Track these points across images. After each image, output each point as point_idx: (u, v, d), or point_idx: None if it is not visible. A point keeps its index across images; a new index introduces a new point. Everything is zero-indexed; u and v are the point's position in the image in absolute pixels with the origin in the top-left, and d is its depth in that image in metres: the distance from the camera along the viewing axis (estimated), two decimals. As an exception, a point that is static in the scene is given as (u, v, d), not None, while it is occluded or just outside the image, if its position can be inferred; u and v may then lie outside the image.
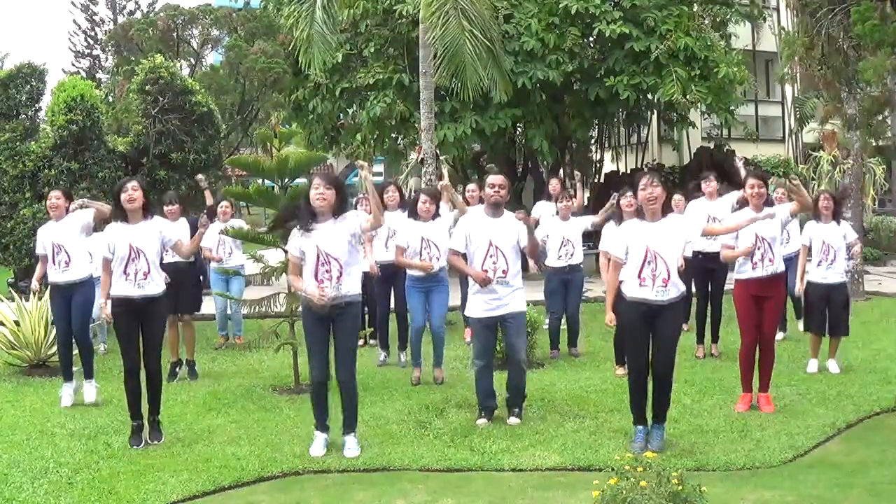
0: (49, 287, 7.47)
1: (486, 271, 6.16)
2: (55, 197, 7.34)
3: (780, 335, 9.55)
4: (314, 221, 5.56)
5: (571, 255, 8.66)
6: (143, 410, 6.09)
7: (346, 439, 5.73)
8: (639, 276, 5.54)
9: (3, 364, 8.89)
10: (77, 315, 7.24)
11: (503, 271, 6.15)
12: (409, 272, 7.90)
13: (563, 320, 8.97)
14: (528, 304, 8.63)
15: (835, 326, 7.89)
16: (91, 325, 7.78)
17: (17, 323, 8.79)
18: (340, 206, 5.58)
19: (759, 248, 6.51)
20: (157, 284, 6.04)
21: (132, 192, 5.94)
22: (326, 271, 5.53)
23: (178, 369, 8.28)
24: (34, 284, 7.65)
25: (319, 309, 5.50)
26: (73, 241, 7.19)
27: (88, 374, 7.35)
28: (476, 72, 11.53)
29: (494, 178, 6.31)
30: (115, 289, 5.99)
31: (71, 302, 7.22)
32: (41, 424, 6.66)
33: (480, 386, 6.41)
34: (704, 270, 8.62)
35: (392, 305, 8.91)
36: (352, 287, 5.60)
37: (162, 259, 6.36)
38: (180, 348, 8.42)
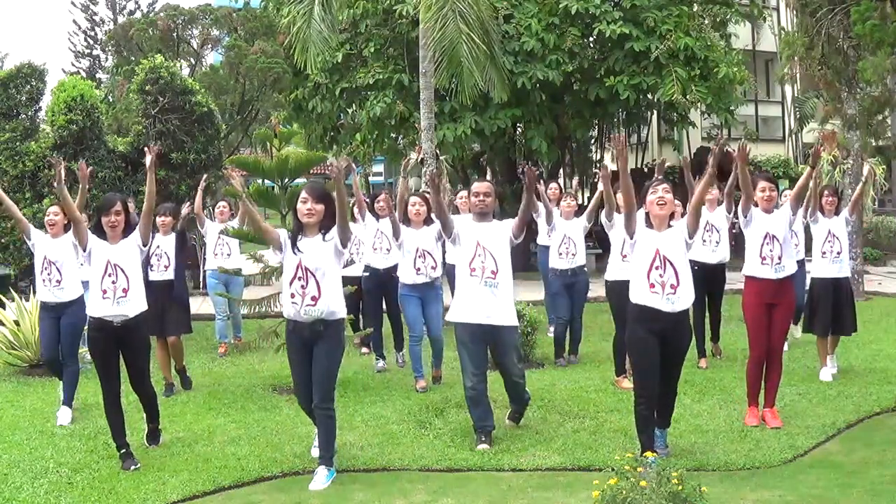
0: (39, 306, 7.20)
1: (473, 269, 5.86)
2: (53, 213, 7.05)
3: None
4: (301, 235, 5.27)
5: (574, 255, 8.40)
6: (128, 436, 5.80)
7: (318, 471, 5.25)
8: (648, 281, 5.29)
9: (3, 364, 8.89)
10: (66, 336, 6.92)
11: (492, 272, 5.83)
12: (402, 280, 7.67)
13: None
14: (528, 305, 8.69)
15: (841, 325, 7.80)
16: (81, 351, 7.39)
17: (17, 323, 8.80)
18: (329, 222, 5.23)
19: (767, 244, 6.33)
20: (136, 304, 5.63)
21: (114, 218, 5.63)
22: (302, 286, 5.19)
23: (174, 389, 7.93)
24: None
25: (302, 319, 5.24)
26: (66, 261, 6.88)
27: (67, 400, 6.87)
28: (472, 74, 11.52)
29: (479, 186, 6.03)
30: (92, 309, 5.62)
31: (59, 323, 6.90)
32: (41, 424, 6.66)
33: (473, 408, 5.93)
34: (703, 280, 8.29)
35: (384, 308, 8.76)
36: (330, 307, 5.21)
37: (147, 277, 6.12)
38: (172, 368, 8.01)
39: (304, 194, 5.25)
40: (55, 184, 5.72)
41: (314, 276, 5.17)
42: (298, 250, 5.21)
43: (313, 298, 5.17)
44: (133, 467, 5.53)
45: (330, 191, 5.32)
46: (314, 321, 5.20)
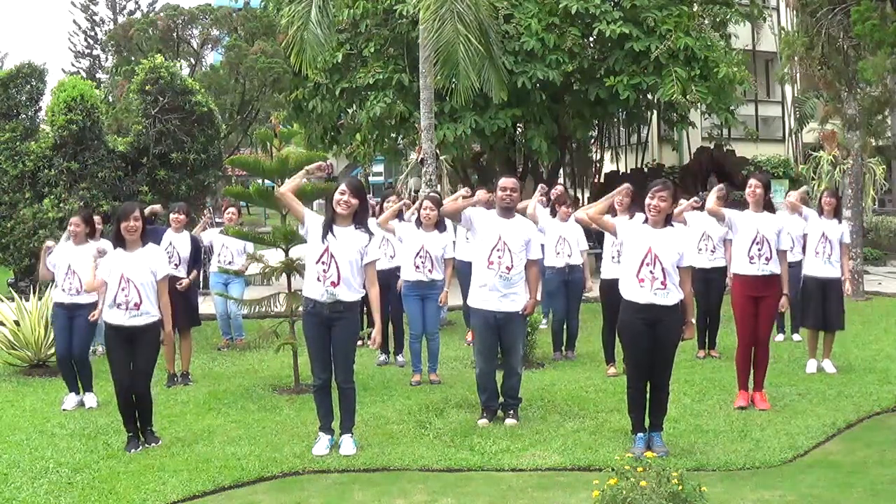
0: (52, 304, 7.47)
1: (490, 262, 6.15)
2: (75, 224, 7.33)
3: (779, 336, 9.59)
4: (333, 224, 5.64)
5: (569, 254, 8.71)
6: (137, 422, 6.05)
7: (343, 438, 5.78)
8: (637, 276, 5.50)
9: (3, 364, 8.89)
10: (78, 336, 7.26)
11: (507, 267, 6.14)
12: (405, 279, 7.91)
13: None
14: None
15: (830, 321, 7.98)
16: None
17: (17, 323, 8.80)
18: (361, 216, 5.71)
19: (756, 245, 6.64)
20: (149, 315, 5.91)
21: (133, 223, 5.89)
22: (324, 271, 5.58)
23: (176, 380, 8.12)
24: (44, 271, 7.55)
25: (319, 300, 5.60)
26: (86, 270, 7.12)
27: (87, 388, 7.36)
28: (468, 76, 11.53)
29: (506, 182, 6.27)
30: (107, 316, 5.92)
31: (73, 322, 7.24)
32: (41, 424, 6.66)
33: (483, 386, 6.40)
34: (704, 281, 8.63)
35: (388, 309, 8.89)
36: (349, 294, 5.64)
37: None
38: (176, 361, 8.24)
39: (342, 187, 5.67)
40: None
41: (338, 263, 5.56)
42: (333, 236, 5.58)
43: (333, 283, 5.57)
44: (135, 450, 5.86)
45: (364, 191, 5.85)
46: (334, 302, 5.57)
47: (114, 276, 5.87)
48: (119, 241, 5.96)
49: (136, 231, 5.91)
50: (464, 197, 7.52)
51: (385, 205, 8.83)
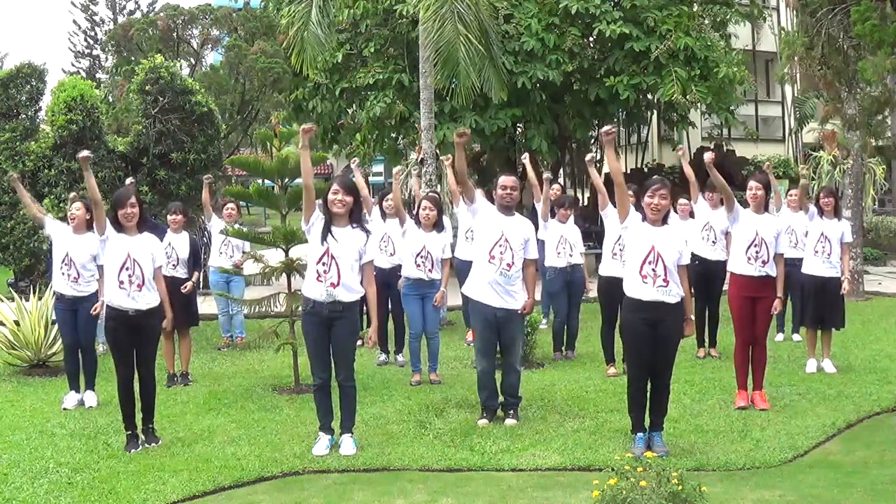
0: (53, 297, 7.51)
1: (492, 256, 6.16)
2: (76, 208, 7.38)
3: (779, 336, 9.60)
4: (332, 224, 5.65)
5: (570, 254, 8.76)
6: (137, 420, 6.05)
7: (343, 438, 5.78)
8: (640, 273, 5.52)
9: (3, 364, 8.89)
10: (83, 325, 7.30)
11: (508, 264, 6.16)
12: (405, 275, 7.93)
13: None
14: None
15: (829, 318, 8.01)
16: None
17: (17, 323, 8.80)
18: (358, 213, 5.74)
19: (755, 246, 6.64)
20: (151, 297, 5.94)
21: (130, 210, 5.89)
22: (325, 270, 5.60)
23: (175, 380, 8.14)
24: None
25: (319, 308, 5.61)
26: (85, 259, 7.25)
27: (90, 384, 7.38)
28: (468, 76, 11.53)
29: (506, 180, 6.26)
30: (109, 298, 5.92)
31: (77, 314, 7.28)
32: (41, 424, 6.66)
33: (483, 386, 6.41)
34: (703, 275, 8.67)
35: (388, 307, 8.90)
36: (349, 295, 5.65)
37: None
38: (175, 361, 8.27)
39: (335, 186, 5.66)
40: (84, 170, 5.88)
41: (338, 264, 5.58)
42: (333, 238, 5.59)
43: (332, 284, 5.58)
44: (134, 450, 5.85)
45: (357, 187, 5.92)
46: (333, 302, 5.59)
47: (119, 256, 5.87)
48: (117, 228, 5.97)
49: (133, 218, 5.92)
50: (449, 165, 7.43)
51: (384, 203, 8.86)
